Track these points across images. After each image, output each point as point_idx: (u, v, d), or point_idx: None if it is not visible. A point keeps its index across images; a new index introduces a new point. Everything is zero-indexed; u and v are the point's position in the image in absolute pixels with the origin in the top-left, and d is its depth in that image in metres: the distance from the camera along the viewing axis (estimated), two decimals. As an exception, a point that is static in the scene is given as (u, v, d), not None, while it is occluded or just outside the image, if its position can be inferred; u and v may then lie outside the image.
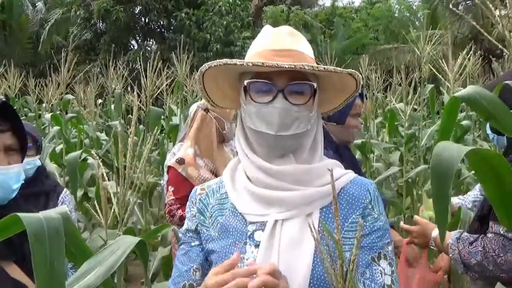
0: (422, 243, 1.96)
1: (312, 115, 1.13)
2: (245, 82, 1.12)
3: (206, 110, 2.87)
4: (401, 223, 2.10)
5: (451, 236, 1.80)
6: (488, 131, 1.99)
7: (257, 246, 1.11)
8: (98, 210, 2.17)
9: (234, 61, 1.10)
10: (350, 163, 2.10)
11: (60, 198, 2.12)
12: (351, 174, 1.20)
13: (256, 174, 1.14)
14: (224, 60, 1.11)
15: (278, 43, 1.13)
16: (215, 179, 1.31)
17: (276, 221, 1.11)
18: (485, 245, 1.68)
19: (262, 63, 1.06)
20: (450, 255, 1.77)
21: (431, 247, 1.92)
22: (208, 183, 1.30)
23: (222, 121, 2.90)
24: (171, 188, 2.82)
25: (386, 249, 1.13)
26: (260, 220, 1.13)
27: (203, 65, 1.14)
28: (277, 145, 1.12)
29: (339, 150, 2.20)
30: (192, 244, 1.23)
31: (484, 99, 0.69)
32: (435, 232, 1.89)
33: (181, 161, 2.81)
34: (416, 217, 2.00)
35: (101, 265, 0.92)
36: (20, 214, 0.65)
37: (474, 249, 1.71)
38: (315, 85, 1.11)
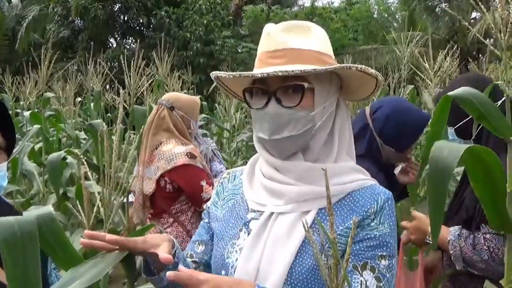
0: (418, 239, 1.85)
1: (314, 114, 1.11)
2: (242, 89, 1.17)
3: (172, 108, 2.77)
4: (403, 222, 1.94)
5: (451, 232, 1.73)
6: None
7: (249, 234, 1.13)
8: (80, 210, 2.14)
9: (227, 74, 1.15)
10: (391, 181, 2.08)
11: None
12: (366, 181, 1.15)
13: (266, 168, 1.18)
14: (216, 73, 1.18)
15: (272, 44, 1.13)
16: (243, 166, 1.34)
17: (272, 213, 1.13)
18: (489, 245, 1.63)
19: (236, 74, 1.11)
20: (451, 252, 1.70)
21: (427, 241, 1.82)
22: (235, 168, 1.35)
23: (188, 119, 2.82)
24: (204, 182, 2.64)
25: (376, 262, 1.05)
26: (259, 209, 1.16)
27: (213, 76, 1.20)
28: (275, 148, 1.14)
29: (385, 167, 2.10)
30: (205, 220, 1.31)
31: (476, 99, 0.70)
32: None
33: (192, 156, 2.66)
34: (414, 212, 1.88)
35: (90, 270, 0.90)
36: None
37: (478, 246, 1.65)
38: (305, 85, 1.09)
